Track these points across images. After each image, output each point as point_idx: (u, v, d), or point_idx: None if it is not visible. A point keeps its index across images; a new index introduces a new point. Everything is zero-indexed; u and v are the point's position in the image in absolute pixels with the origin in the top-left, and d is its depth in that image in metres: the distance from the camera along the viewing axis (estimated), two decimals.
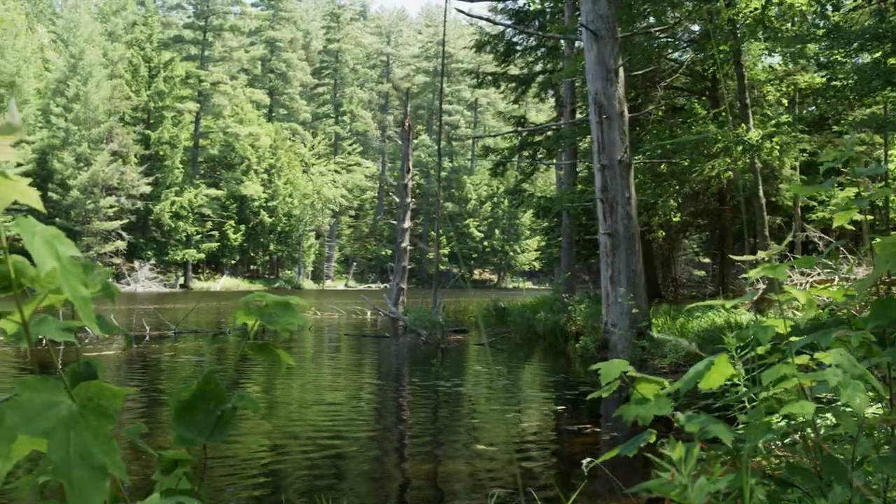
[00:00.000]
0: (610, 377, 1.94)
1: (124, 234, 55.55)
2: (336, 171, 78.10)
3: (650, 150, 18.82)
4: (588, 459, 3.05)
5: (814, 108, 22.50)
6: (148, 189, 57.52)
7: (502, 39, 27.21)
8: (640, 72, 20.17)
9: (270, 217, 67.61)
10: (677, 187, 20.89)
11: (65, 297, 1.10)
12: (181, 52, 67.07)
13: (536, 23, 27.03)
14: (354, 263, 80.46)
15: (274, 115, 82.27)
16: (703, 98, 23.49)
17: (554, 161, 28.56)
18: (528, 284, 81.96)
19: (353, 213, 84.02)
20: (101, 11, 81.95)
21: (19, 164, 47.17)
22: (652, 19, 20.81)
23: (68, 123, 54.21)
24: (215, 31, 68.93)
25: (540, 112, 54.76)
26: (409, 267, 28.48)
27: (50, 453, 0.87)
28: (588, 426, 9.27)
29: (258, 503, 5.98)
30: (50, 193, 51.35)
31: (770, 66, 21.81)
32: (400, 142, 30.07)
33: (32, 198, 1.02)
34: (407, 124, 28.37)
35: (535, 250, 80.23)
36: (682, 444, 1.56)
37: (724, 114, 20.41)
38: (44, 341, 1.14)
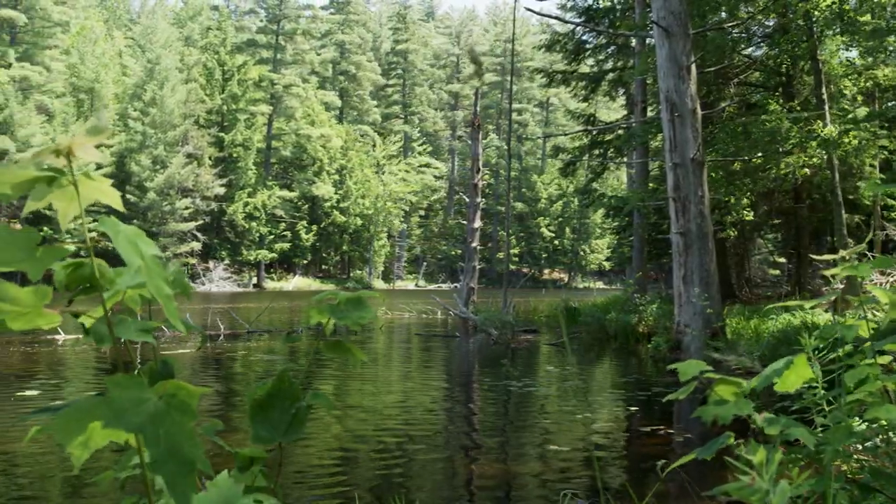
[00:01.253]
0: (688, 378, 1.91)
1: (199, 234, 56.60)
2: (406, 171, 78.43)
3: (723, 148, 18.54)
4: (663, 461, 3.00)
5: (894, 103, 21.94)
6: (222, 190, 58.52)
7: (572, 38, 27.05)
8: (712, 68, 19.87)
9: (342, 217, 68.19)
10: (751, 185, 20.54)
11: (147, 295, 1.12)
12: (254, 56, 68.03)
13: (606, 20, 26.81)
14: (424, 263, 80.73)
15: (344, 116, 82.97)
16: (777, 94, 23.04)
17: (625, 160, 28.30)
18: (599, 284, 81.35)
19: (423, 212, 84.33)
20: (177, 17, 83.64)
21: (99, 166, 48.47)
22: (724, 14, 20.48)
23: (145, 127, 55.41)
24: (287, 34, 69.76)
25: (610, 110, 54.35)
26: (479, 267, 28.48)
27: (145, 448, 0.89)
28: (661, 428, 9.15)
29: (331, 501, 6.02)
30: (128, 196, 52.52)
31: (848, 60, 21.28)
32: (469, 141, 30.10)
33: (114, 198, 1.04)
34: (476, 123, 28.37)
35: (606, 249, 79.61)
36: (763, 448, 1.53)
37: (798, 109, 20.01)
38: (122, 340, 1.16)
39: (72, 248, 1.02)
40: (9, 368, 13.51)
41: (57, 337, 18.04)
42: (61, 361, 14.86)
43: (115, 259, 1.05)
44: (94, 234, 1.04)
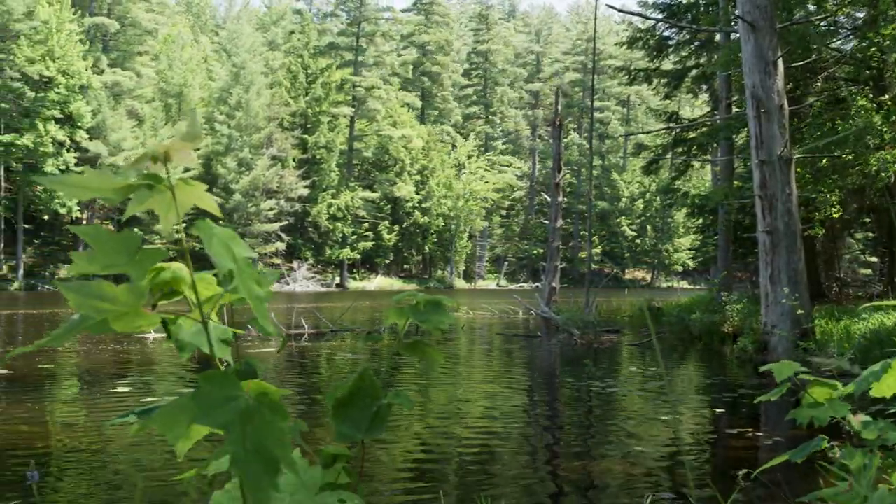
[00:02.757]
0: (782, 379, 1.87)
1: (283, 235, 57.50)
2: (487, 170, 78.43)
3: (811, 144, 18.10)
4: (744, 471, 2.94)
5: None
6: (306, 192, 59.35)
7: (654, 34, 26.71)
8: (799, 63, 19.42)
9: (423, 217, 68.51)
10: (839, 182, 20.01)
11: (238, 297, 1.15)
12: (336, 59, 68.79)
13: (689, 16, 26.40)
14: (506, 263, 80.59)
15: (426, 116, 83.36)
16: (867, 88, 22.39)
17: (709, 157, 27.85)
18: (683, 284, 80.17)
19: (504, 212, 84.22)
20: (261, 22, 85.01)
21: (187, 169, 49.55)
22: (812, 7, 19.99)
23: (231, 130, 56.50)
24: (368, 37, 70.36)
25: (693, 107, 53.53)
26: (560, 266, 28.33)
27: (228, 445, 0.91)
28: (748, 430, 8.99)
29: (414, 500, 6.06)
30: (214, 197, 53.40)
31: None
32: (550, 140, 29.93)
33: (209, 203, 1.07)
34: (558, 122, 28.23)
35: (689, 249, 78.44)
36: (860, 452, 1.50)
37: (890, 104, 19.43)
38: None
39: (166, 251, 1.04)
40: (101, 366, 13.91)
41: (146, 335, 18.50)
42: (151, 359, 15.25)
43: (205, 260, 1.08)
44: (183, 236, 1.07)
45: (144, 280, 1.00)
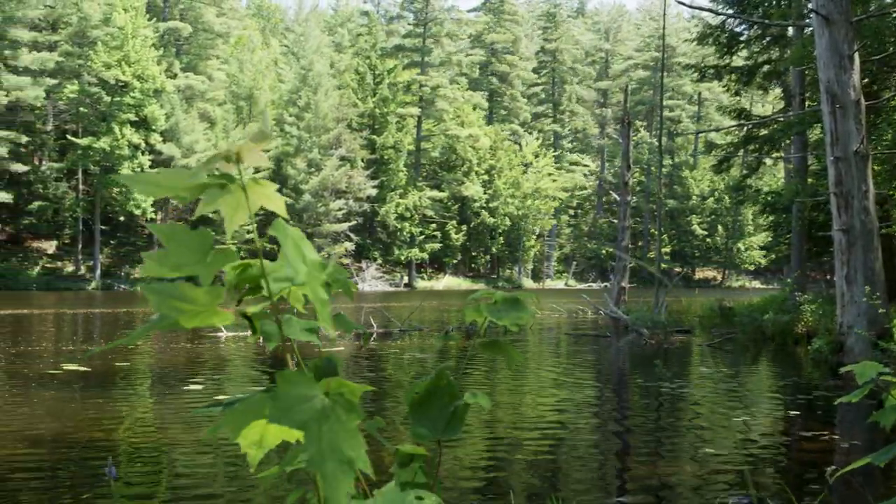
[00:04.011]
0: (865, 380, 1.83)
1: (352, 235, 57.99)
2: (555, 169, 78.09)
3: (888, 140, 17.67)
4: (832, 468, 2.87)
5: None
6: (374, 192, 59.76)
7: (724, 30, 26.30)
8: (876, 57, 18.96)
9: (491, 217, 68.46)
10: None
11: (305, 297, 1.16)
12: (403, 60, 69.13)
13: (760, 10, 25.94)
14: (574, 262, 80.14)
15: (494, 116, 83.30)
16: None
17: (781, 154, 27.34)
18: (755, 283, 78.83)
19: (572, 211, 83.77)
20: (328, 24, 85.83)
21: (257, 170, 50.09)
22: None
23: (300, 131, 57.16)
24: (434, 37, 70.56)
25: (766, 104, 52.57)
26: (630, 265, 28.08)
27: (305, 444, 0.92)
28: (824, 433, 8.80)
29: (487, 500, 6.07)
30: (284, 198, 54.17)
31: None
32: (619, 139, 29.69)
33: (279, 204, 1.09)
34: (627, 120, 27.99)
35: (761, 248, 77.09)
36: None
37: None
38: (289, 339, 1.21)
39: (237, 251, 1.06)
40: (175, 363, 14.18)
41: (219, 333, 18.80)
42: (223, 357, 15.49)
43: (273, 260, 1.10)
44: (256, 236, 1.09)
45: (230, 277, 1.02)
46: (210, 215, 1.10)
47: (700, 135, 69.42)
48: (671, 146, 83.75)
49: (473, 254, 71.96)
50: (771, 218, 28.22)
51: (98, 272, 50.04)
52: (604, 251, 76.84)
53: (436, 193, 65.84)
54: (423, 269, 66.82)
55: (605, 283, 69.18)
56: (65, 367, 12.80)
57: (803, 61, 19.71)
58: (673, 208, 79.59)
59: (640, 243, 76.34)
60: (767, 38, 26.18)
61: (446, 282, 65.30)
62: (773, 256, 38.52)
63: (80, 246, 50.58)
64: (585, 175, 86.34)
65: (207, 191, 1.02)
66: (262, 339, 1.22)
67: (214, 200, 1.02)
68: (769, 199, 24.49)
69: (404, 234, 62.48)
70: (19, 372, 12.48)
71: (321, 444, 0.91)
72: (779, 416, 10.01)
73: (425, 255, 63.99)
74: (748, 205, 37.81)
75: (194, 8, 63.28)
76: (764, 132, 26.15)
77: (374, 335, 20.01)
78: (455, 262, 68.78)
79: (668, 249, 77.47)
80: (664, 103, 53.00)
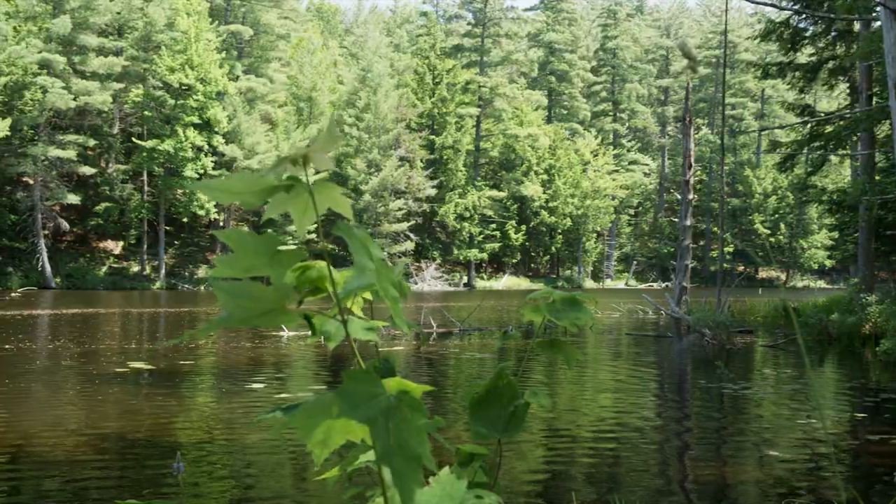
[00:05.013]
0: None
1: (412, 235, 58.18)
2: (615, 168, 77.51)
3: None
4: None
5: None
6: (433, 192, 59.89)
7: (788, 26, 25.87)
8: None
9: (551, 217, 68.18)
10: None
11: (370, 296, 1.19)
12: (462, 60, 69.20)
13: (825, 5, 25.46)
14: (635, 262, 79.42)
15: (553, 115, 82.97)
16: None
17: (848, 152, 26.82)
18: (821, 283, 77.40)
19: (632, 211, 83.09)
20: (387, 25, 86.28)
21: (317, 172, 50.45)
22: None
23: (360, 132, 57.50)
24: (493, 37, 70.52)
25: (831, 100, 51.62)
26: (691, 265, 27.78)
27: (373, 440, 0.94)
28: (892, 436, 8.62)
29: (548, 499, 6.06)
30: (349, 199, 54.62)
31: None
32: (680, 137, 29.39)
33: (344, 206, 1.11)
34: (688, 119, 27.70)
35: (826, 248, 75.65)
36: None
37: None
38: (350, 338, 1.23)
39: (304, 252, 1.09)
40: (237, 363, 14.38)
41: (281, 333, 19.02)
42: (284, 357, 15.67)
43: (338, 260, 1.12)
44: (321, 237, 1.11)
45: (290, 278, 1.04)
46: (273, 217, 1.12)
47: (763, 132, 68.32)
48: (733, 144, 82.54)
49: (533, 254, 71.74)
50: (836, 217, 27.71)
51: (162, 272, 50.92)
52: (665, 250, 76.10)
53: (495, 193, 65.76)
54: (482, 269, 66.80)
55: (666, 283, 68.54)
56: (131, 366, 13.06)
57: (870, 56, 19.32)
58: (735, 207, 78.46)
59: (701, 242, 75.37)
60: (833, 34, 25.70)
61: (506, 282, 65.20)
62: (839, 256, 37.79)
63: (145, 246, 51.54)
64: (646, 174, 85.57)
65: (275, 194, 1.05)
66: (322, 339, 1.24)
67: (282, 204, 1.05)
68: (835, 197, 24.05)
69: (464, 233, 62.53)
70: (87, 370, 12.76)
71: (388, 440, 0.93)
72: (845, 418, 9.83)
73: (485, 255, 63.96)
74: (812, 203, 37.13)
75: (255, 11, 64.04)
76: (829, 129, 25.68)
77: (434, 335, 20.07)
78: (514, 261, 68.64)
79: (730, 249, 76.40)
80: (726, 101, 52.29)
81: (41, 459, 7.06)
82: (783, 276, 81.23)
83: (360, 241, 1.04)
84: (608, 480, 6.62)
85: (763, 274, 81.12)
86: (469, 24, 72.44)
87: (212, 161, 49.98)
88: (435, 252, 61.85)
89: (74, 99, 45.72)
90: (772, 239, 78.78)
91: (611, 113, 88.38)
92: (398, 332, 18.36)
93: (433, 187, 59.88)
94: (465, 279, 63.18)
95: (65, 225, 49.15)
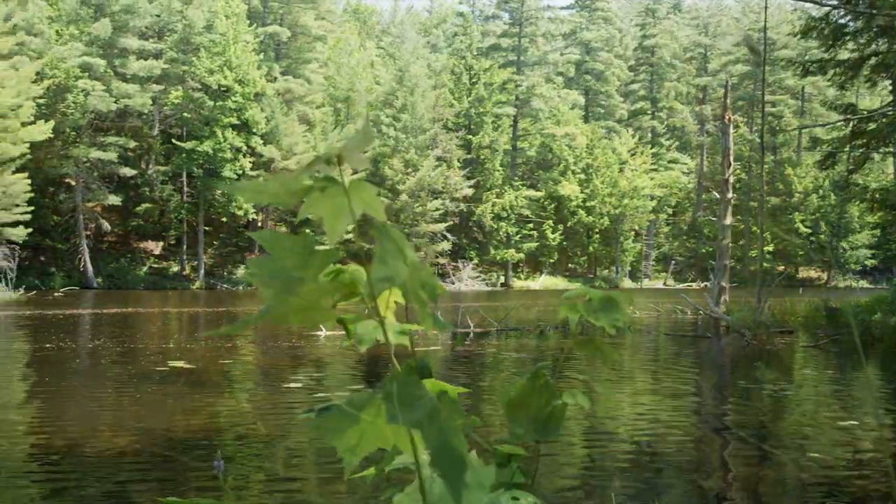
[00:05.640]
0: None
1: (449, 235, 58.19)
2: (653, 167, 77.02)
3: None
4: None
5: None
6: (470, 192, 59.89)
7: (829, 22, 25.54)
8: None
9: (588, 216, 67.90)
10: None
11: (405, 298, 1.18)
12: (499, 59, 69.15)
13: (867, 0, 25.10)
14: (673, 262, 78.86)
15: (590, 114, 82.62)
16: None
17: (891, 150, 26.45)
18: (863, 283, 76.38)
19: (671, 210, 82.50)
20: (424, 25, 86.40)
21: (354, 172, 50.67)
22: None
23: (397, 132, 57.62)
24: (530, 36, 70.39)
25: (873, 98, 50.94)
26: (730, 265, 27.50)
27: (426, 443, 0.93)
28: None
29: (587, 501, 6.03)
30: (382, 198, 54.62)
31: None
32: (719, 135, 29.13)
33: (377, 207, 1.11)
34: (727, 117, 27.43)
35: (868, 247, 74.67)
36: None
37: None
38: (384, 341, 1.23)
39: (339, 252, 1.09)
40: (275, 362, 14.48)
41: (318, 332, 19.11)
42: (321, 356, 15.75)
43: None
44: (356, 237, 1.11)
45: (324, 279, 1.04)
46: (310, 217, 1.12)
47: (803, 130, 67.56)
48: (773, 142, 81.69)
49: (570, 253, 71.46)
50: (879, 215, 27.32)
51: (202, 272, 51.40)
52: (704, 250, 75.52)
53: (532, 193, 65.62)
54: (519, 269, 66.65)
55: (705, 283, 68.00)
56: (171, 365, 13.19)
57: None
58: (775, 206, 77.64)
59: (741, 242, 74.63)
60: (874, 29, 25.34)
61: (543, 281, 65.02)
62: (882, 255, 37.31)
63: (184, 247, 52.05)
64: (684, 173, 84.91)
65: (310, 195, 1.05)
66: (356, 341, 1.24)
67: (317, 204, 1.05)
68: (877, 195, 23.72)
69: (501, 233, 62.46)
70: (127, 369, 12.91)
71: (434, 442, 0.93)
72: (889, 421, 9.69)
73: (522, 255, 63.86)
74: (854, 202, 36.64)
75: (293, 12, 64.36)
76: (872, 127, 25.32)
77: (471, 335, 20.06)
78: (552, 261, 68.40)
79: (770, 248, 75.63)
80: (765, 98, 51.63)
81: (82, 457, 7.15)
82: (824, 276, 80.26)
83: (393, 241, 1.03)
84: (647, 482, 6.57)
85: (803, 274, 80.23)
86: (506, 23, 72.36)
87: (250, 162, 50.33)
88: (472, 252, 61.83)
89: (115, 101, 46.27)
90: (812, 238, 77.88)
91: (649, 111, 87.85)
92: (434, 332, 18.42)
93: (470, 187, 59.86)
94: (501, 279, 63.09)
95: (106, 225, 49.78)
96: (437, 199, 57.42)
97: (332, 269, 1.10)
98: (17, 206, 38.86)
